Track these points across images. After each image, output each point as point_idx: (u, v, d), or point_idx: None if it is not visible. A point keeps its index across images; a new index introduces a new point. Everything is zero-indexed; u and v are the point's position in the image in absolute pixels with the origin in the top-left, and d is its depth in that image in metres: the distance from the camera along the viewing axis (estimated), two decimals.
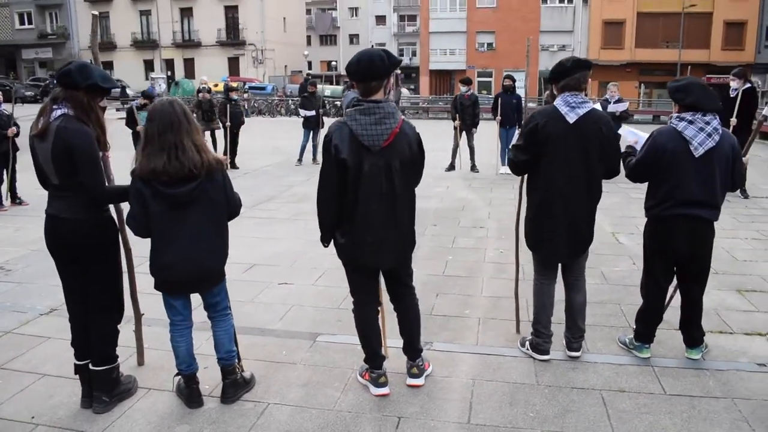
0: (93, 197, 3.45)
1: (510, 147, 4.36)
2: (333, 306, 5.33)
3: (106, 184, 3.56)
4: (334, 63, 60.89)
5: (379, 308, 4.00)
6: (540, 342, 4.31)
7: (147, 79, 45.61)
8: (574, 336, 4.34)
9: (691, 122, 3.89)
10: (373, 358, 3.93)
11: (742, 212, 9.28)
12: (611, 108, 11.66)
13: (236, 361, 3.91)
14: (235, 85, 20.18)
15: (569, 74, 3.98)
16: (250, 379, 4.02)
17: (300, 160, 13.88)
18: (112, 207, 3.72)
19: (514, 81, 12.62)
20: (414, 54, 55.59)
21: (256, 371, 4.17)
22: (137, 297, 4.15)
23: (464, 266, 6.37)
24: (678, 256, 4.12)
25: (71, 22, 51.15)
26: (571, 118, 3.92)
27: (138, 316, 4.18)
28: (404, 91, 40.08)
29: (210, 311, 3.78)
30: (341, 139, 3.50)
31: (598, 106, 4.97)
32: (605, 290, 5.72)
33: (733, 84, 10.23)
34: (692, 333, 4.32)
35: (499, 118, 12.33)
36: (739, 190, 10.53)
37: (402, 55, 60.03)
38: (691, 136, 3.88)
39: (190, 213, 3.41)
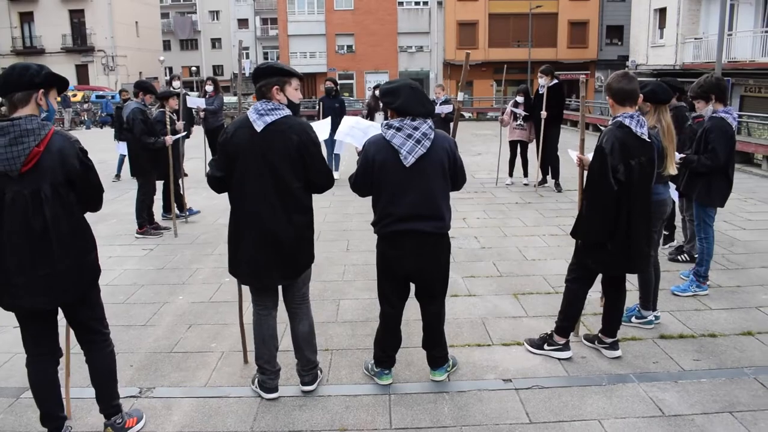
0: None
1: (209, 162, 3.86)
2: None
3: None
4: (194, 68, 58.83)
5: (60, 359, 3.38)
6: (265, 379, 3.84)
7: None
8: (305, 369, 3.90)
9: (398, 129, 3.54)
10: (49, 419, 3.31)
11: (549, 207, 9.37)
12: (437, 110, 11.51)
13: None
14: None
15: (255, 82, 3.55)
16: None
17: (118, 175, 12.86)
18: None
19: (335, 84, 12.23)
20: (278, 57, 54.63)
21: None
22: None
23: (237, 289, 5.79)
24: (406, 274, 3.78)
25: None
26: (259, 126, 3.48)
27: None
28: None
29: None
30: None
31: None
32: None
33: (541, 81, 10.40)
34: (433, 353, 4.01)
35: None
36: (553, 184, 10.73)
37: (267, 58, 58.89)
38: (399, 145, 3.53)
39: None
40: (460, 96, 4.82)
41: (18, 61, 47.11)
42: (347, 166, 12.63)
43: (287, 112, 3.55)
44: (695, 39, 27.47)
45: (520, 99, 10.94)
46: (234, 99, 40.49)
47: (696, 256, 5.76)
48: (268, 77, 3.55)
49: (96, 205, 3.30)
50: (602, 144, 3.95)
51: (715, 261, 6.26)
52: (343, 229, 8.09)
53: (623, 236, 3.96)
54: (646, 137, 3.97)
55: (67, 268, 3.09)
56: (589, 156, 4.16)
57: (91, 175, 3.17)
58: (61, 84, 3.17)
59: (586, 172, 4.18)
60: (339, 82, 14.52)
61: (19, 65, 3.06)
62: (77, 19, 46.15)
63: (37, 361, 3.29)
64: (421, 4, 43.59)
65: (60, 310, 3.28)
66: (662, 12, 30.11)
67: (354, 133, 4.45)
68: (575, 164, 4.43)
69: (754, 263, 6.51)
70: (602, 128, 5.20)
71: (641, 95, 4.24)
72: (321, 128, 4.52)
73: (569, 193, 10.26)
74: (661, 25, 30.45)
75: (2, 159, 2.90)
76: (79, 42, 46.08)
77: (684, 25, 28.01)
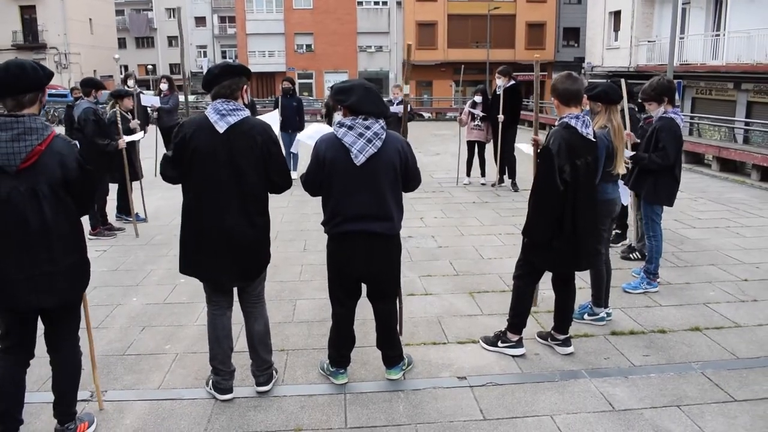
0: None
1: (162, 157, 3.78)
2: None
3: None
4: (150, 67, 57.75)
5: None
6: (219, 380, 3.80)
7: None
8: (260, 369, 3.87)
9: (350, 128, 3.55)
10: (6, 420, 3.24)
11: (507, 206, 9.48)
12: (393, 109, 11.51)
13: None
14: None
15: (218, 81, 3.50)
16: None
17: None
18: None
19: (293, 83, 12.17)
20: (237, 56, 54.04)
21: None
22: None
23: (192, 290, 5.69)
24: (356, 275, 3.79)
25: None
26: (221, 127, 3.44)
27: None
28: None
29: None
30: None
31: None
32: None
33: (499, 82, 10.50)
34: (387, 353, 4.03)
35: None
36: (510, 183, 10.86)
37: (225, 57, 58.15)
38: (350, 143, 3.53)
39: None
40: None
41: None
42: (306, 165, 12.57)
43: (247, 112, 3.54)
44: (649, 42, 28.10)
45: (478, 99, 11.03)
46: (191, 98, 39.93)
47: (647, 254, 5.90)
48: (239, 76, 3.54)
49: (87, 208, 3.35)
50: (549, 145, 4.01)
51: (666, 259, 6.42)
52: (301, 229, 8.06)
53: (570, 234, 4.02)
54: (591, 137, 4.05)
55: (71, 265, 3.16)
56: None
57: (87, 178, 3.22)
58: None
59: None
60: (298, 81, 14.42)
61: (28, 64, 3.03)
62: (28, 16, 44.94)
63: (11, 359, 3.24)
64: (381, 3, 43.74)
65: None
66: (617, 15, 30.73)
67: (316, 137, 4.43)
68: (527, 156, 4.47)
69: (703, 261, 6.70)
70: None
71: (585, 95, 4.33)
72: (269, 121, 4.49)
73: (526, 193, 10.28)
74: (616, 27, 31.07)
75: (2, 153, 2.90)
76: (31, 39, 44.90)
77: (638, 28, 28.63)
